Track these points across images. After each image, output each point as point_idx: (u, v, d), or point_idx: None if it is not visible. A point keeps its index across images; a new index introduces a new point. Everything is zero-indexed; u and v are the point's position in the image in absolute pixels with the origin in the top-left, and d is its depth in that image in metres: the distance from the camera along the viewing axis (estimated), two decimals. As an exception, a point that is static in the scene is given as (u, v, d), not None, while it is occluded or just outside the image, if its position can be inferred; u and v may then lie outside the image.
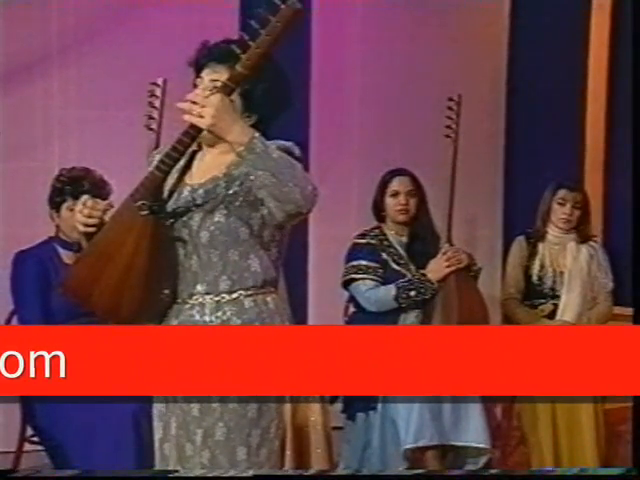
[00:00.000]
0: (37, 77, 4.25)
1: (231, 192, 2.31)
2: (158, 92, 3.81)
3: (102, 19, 4.28)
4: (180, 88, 2.40)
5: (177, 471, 2.30)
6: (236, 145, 2.17)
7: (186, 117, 2.19)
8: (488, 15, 4.76)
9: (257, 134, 2.18)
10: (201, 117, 2.16)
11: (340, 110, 4.70)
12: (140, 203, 2.24)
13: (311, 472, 2.25)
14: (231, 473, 2.24)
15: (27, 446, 3.71)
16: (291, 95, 2.35)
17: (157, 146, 3.71)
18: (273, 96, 2.31)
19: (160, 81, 3.82)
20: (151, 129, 3.82)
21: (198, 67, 2.35)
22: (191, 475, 2.26)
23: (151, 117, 3.82)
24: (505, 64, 4.79)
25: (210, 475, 2.24)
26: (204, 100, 2.17)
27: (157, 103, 3.81)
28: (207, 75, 2.32)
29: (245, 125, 2.21)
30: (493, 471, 3.51)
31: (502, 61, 4.79)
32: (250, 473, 2.25)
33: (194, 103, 2.17)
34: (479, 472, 3.42)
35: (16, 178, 4.23)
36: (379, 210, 4.13)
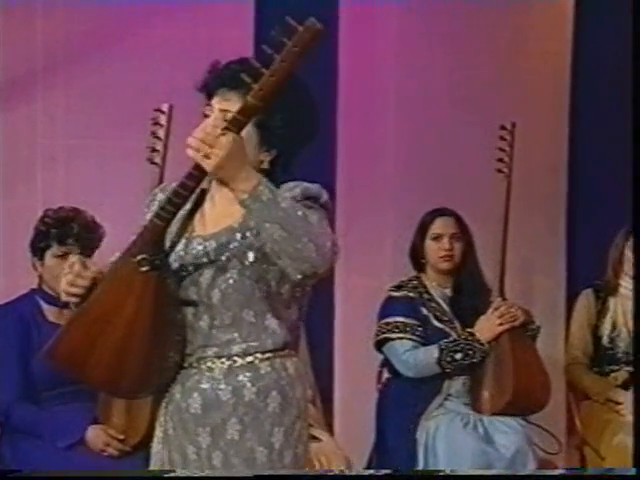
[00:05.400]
0: (18, 101, 4.30)
1: (246, 244, 2.32)
2: (163, 120, 3.84)
3: (95, 34, 4.32)
4: (188, 115, 2.42)
5: (173, 471, 2.35)
6: (239, 193, 2.19)
7: (190, 153, 2.20)
8: (547, 31, 4.78)
9: (264, 180, 2.20)
10: (207, 158, 2.18)
11: (371, 142, 4.70)
12: (139, 258, 2.24)
13: (311, 472, 2.29)
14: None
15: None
16: (317, 125, 2.36)
17: (161, 183, 3.72)
18: (296, 127, 2.32)
19: (165, 107, 3.84)
20: (154, 163, 3.84)
21: (208, 93, 2.35)
22: (191, 475, 2.31)
23: (154, 149, 3.85)
24: (568, 86, 4.79)
25: (210, 475, 2.30)
26: (214, 140, 2.18)
27: (161, 133, 3.84)
28: (218, 104, 2.32)
29: (251, 170, 2.22)
30: (494, 471, 3.72)
31: (564, 83, 4.80)
32: (251, 474, 2.29)
33: (203, 142, 2.18)
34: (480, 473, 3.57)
35: (-8, 220, 4.30)
36: (418, 257, 4.15)
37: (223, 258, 2.33)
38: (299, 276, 2.24)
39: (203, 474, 2.32)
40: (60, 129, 4.36)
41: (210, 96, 2.35)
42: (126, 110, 4.28)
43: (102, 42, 4.34)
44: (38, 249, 3.73)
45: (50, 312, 3.71)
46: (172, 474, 2.34)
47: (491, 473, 3.70)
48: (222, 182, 2.24)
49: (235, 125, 2.20)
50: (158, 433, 2.43)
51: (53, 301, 3.68)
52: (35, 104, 4.33)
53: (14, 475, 2.73)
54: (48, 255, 3.71)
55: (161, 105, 3.86)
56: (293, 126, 2.31)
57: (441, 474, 3.53)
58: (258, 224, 2.22)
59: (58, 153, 4.35)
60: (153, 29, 4.40)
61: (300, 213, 2.21)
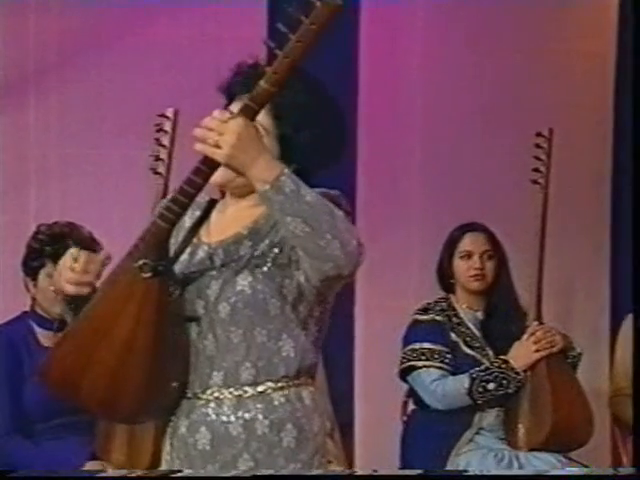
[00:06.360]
0: (8, 107, 4.30)
1: (258, 253, 2.30)
2: (167, 126, 3.84)
3: (91, 33, 4.34)
4: (195, 121, 2.35)
5: (178, 471, 2.36)
6: (259, 183, 2.17)
7: (199, 147, 2.17)
8: (589, 29, 4.74)
9: (287, 170, 2.18)
10: (218, 147, 2.15)
11: (395, 150, 4.71)
12: (141, 263, 2.22)
13: (311, 473, 2.33)
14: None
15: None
16: (345, 143, 2.35)
17: (165, 195, 3.73)
18: (321, 144, 2.31)
19: (170, 112, 3.84)
20: (158, 173, 3.85)
21: (230, 96, 2.35)
22: (191, 475, 2.33)
23: (158, 158, 3.85)
24: (612, 90, 4.78)
25: (209, 476, 2.32)
26: (222, 126, 2.15)
27: (166, 140, 3.84)
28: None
29: (272, 158, 2.21)
30: (494, 471, 3.80)
31: (608, 86, 4.79)
32: (249, 474, 2.29)
33: (210, 130, 2.16)
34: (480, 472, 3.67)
35: (-20, 236, 4.29)
36: (446, 276, 4.13)
37: (231, 268, 2.31)
38: (320, 277, 2.21)
39: (204, 475, 2.33)
40: (54, 137, 4.38)
41: (232, 99, 2.34)
42: (126, 116, 4.31)
43: (99, 42, 4.35)
44: (31, 268, 3.71)
45: (44, 337, 3.67)
46: (179, 474, 2.35)
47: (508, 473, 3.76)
48: (238, 172, 2.21)
49: (246, 113, 2.17)
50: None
51: (47, 324, 3.66)
52: (27, 110, 4.34)
53: (14, 475, 2.72)
54: (42, 275, 3.68)
55: (165, 110, 3.84)
56: (318, 143, 2.30)
57: (467, 474, 3.63)
58: (279, 218, 2.19)
59: (52, 163, 4.35)
60: (156, 28, 4.40)
61: (326, 208, 2.18)
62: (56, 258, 3.60)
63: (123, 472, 3.42)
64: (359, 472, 3.90)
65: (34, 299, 3.73)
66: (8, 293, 3.89)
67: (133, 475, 2.98)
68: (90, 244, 3.70)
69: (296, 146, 2.30)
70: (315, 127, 2.29)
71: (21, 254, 3.73)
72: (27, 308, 3.76)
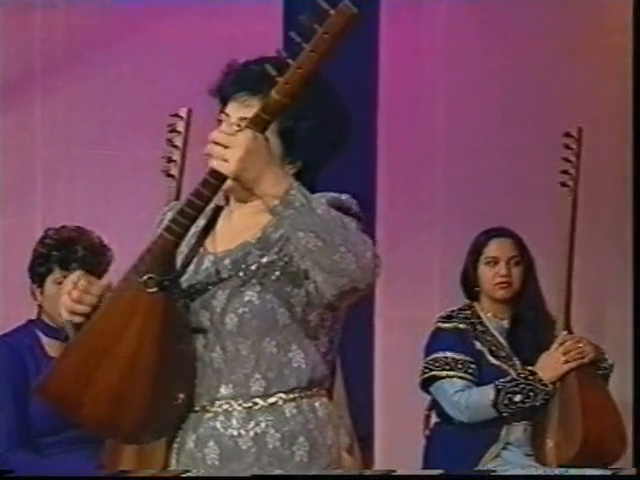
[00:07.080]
0: (13, 107, 4.29)
1: (266, 262, 2.30)
2: (180, 126, 3.83)
3: (98, 32, 4.34)
4: (208, 122, 2.38)
5: (186, 471, 2.38)
6: (269, 198, 2.17)
7: (212, 163, 2.18)
8: (614, 23, 4.69)
9: (296, 184, 2.18)
10: (224, 161, 2.15)
11: (416, 152, 4.68)
12: (146, 277, 2.22)
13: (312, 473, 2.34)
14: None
15: None
16: (349, 134, 2.34)
17: (178, 198, 3.73)
18: (323, 136, 2.31)
19: (183, 112, 3.83)
20: (170, 175, 3.83)
21: (223, 97, 2.34)
22: (194, 475, 2.35)
23: (170, 159, 3.84)
24: (630, 86, 4.71)
25: (213, 476, 2.34)
26: (229, 140, 2.16)
27: (178, 141, 3.82)
28: (235, 111, 2.31)
29: (281, 172, 2.21)
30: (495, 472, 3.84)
31: (627, 80, 4.72)
32: (249, 474, 2.31)
33: (217, 144, 2.16)
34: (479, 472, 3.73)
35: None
36: (471, 284, 4.09)
37: (239, 278, 2.31)
38: (335, 293, 2.19)
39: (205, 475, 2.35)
40: (61, 138, 4.37)
41: (226, 101, 2.35)
42: (135, 116, 4.32)
43: (107, 40, 4.38)
44: (37, 275, 3.69)
45: (51, 346, 3.65)
46: (187, 474, 2.36)
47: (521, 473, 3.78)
48: (247, 187, 2.20)
49: (257, 124, 2.18)
50: (169, 490, 2.40)
51: (54, 334, 3.62)
52: (33, 110, 4.33)
53: (12, 475, 2.83)
54: (49, 281, 3.66)
55: (179, 110, 3.83)
56: (320, 135, 2.31)
57: (493, 474, 3.67)
58: (290, 233, 2.19)
59: (59, 165, 4.34)
60: (165, 25, 4.42)
61: (338, 220, 2.18)
62: (64, 264, 3.62)
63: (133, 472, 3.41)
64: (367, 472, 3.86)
65: (40, 307, 3.72)
66: (13, 301, 3.86)
67: (140, 475, 2.98)
68: (99, 249, 3.69)
69: (298, 139, 2.30)
70: (315, 119, 2.28)
71: (27, 260, 3.72)
72: (33, 316, 3.74)
